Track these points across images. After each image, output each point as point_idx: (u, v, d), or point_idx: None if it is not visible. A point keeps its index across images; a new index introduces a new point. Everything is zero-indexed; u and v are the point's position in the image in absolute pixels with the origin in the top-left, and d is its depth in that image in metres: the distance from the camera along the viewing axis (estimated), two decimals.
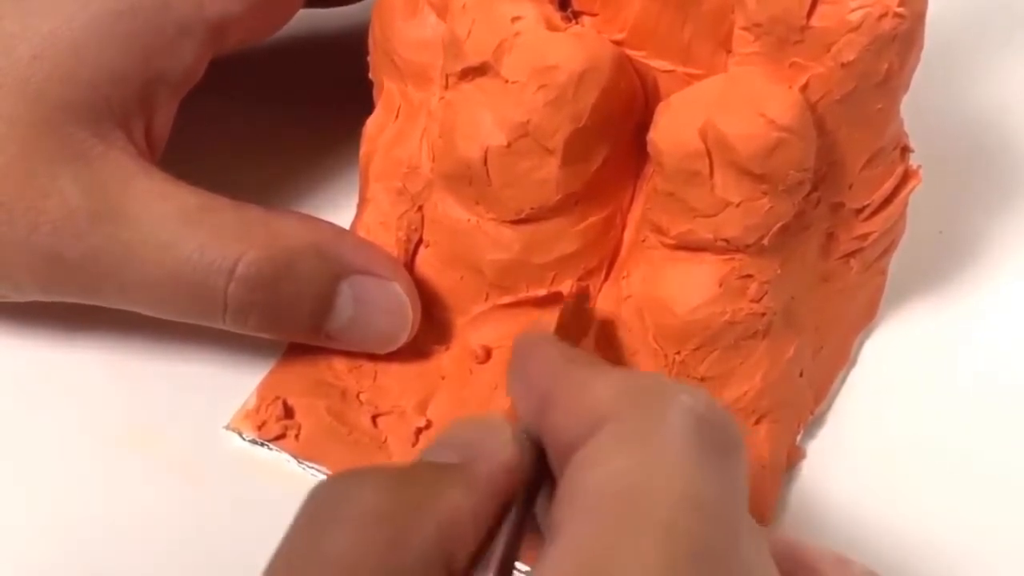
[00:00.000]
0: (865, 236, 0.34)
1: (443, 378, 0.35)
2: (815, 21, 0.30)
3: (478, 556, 0.23)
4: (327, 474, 0.33)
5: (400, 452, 0.34)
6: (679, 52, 0.33)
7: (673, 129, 0.31)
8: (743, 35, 0.31)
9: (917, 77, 0.32)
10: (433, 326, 0.36)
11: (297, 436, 0.34)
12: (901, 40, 0.30)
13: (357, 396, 0.35)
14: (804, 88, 0.30)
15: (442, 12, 0.34)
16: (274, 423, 0.34)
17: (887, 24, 0.29)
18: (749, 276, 0.32)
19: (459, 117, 0.33)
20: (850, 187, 0.33)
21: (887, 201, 0.34)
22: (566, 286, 0.34)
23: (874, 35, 0.29)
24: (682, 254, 0.32)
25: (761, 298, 0.32)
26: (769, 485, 0.33)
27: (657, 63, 0.33)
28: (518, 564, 0.23)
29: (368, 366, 0.35)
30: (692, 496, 0.21)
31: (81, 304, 0.34)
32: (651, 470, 0.22)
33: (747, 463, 0.23)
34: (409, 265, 0.36)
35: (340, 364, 0.35)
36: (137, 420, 0.34)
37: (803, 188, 0.31)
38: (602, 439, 0.23)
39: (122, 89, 0.33)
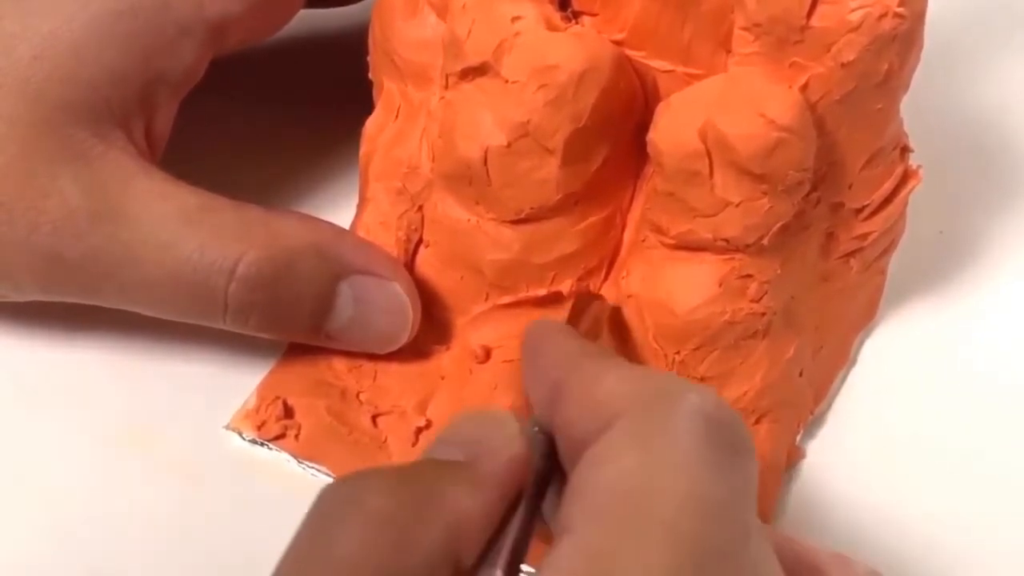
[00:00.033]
0: (865, 236, 0.34)
1: (443, 378, 0.35)
2: (815, 21, 0.30)
3: (486, 551, 0.23)
4: (327, 474, 0.33)
5: (400, 452, 0.34)
6: (679, 52, 0.33)
7: (673, 129, 0.31)
8: (743, 35, 0.31)
9: (917, 77, 0.32)
10: (433, 326, 0.36)
11: (297, 436, 0.34)
12: (901, 40, 0.30)
13: (357, 396, 0.35)
14: (804, 88, 0.30)
15: (442, 12, 0.34)
16: (274, 423, 0.34)
17: (887, 24, 0.29)
18: (749, 276, 0.32)
19: (459, 117, 0.33)
20: (850, 187, 0.33)
21: (887, 201, 0.34)
22: (566, 286, 0.34)
23: (874, 35, 0.29)
24: (682, 254, 0.32)
25: (761, 298, 0.32)
26: (769, 485, 0.33)
27: (657, 63, 0.33)
28: (523, 566, 0.23)
29: (368, 366, 0.35)
30: (699, 497, 0.21)
31: (81, 304, 0.34)
32: (658, 470, 0.22)
33: (756, 463, 0.23)
34: (409, 265, 0.36)
35: (340, 364, 0.35)
36: (137, 420, 0.34)
37: (803, 188, 0.31)
38: (612, 437, 0.23)
39: (122, 89, 0.33)
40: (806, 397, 0.35)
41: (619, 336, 0.34)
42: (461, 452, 0.24)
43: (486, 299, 0.35)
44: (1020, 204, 0.42)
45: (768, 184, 0.30)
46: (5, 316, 0.36)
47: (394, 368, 0.35)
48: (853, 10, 0.29)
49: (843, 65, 0.30)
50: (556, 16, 0.33)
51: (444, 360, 0.35)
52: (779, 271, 0.32)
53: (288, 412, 0.34)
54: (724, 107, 0.30)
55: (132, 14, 0.33)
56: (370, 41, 0.37)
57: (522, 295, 0.35)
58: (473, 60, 0.32)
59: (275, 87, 0.43)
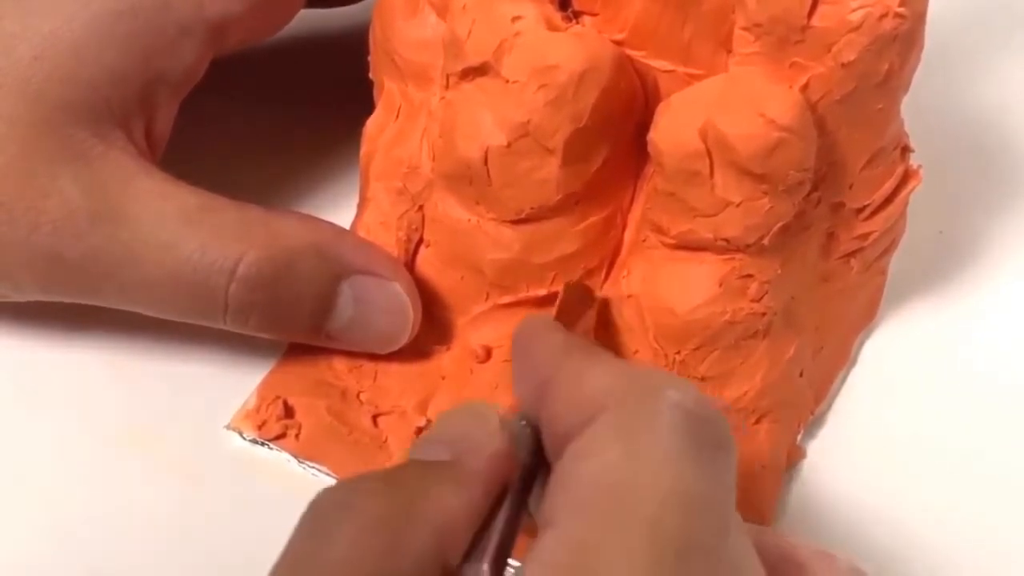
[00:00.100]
0: (865, 236, 0.34)
1: (443, 378, 0.35)
2: (816, 21, 0.30)
3: (473, 547, 0.23)
4: (327, 474, 0.33)
5: (400, 452, 0.34)
6: (679, 52, 0.33)
7: (673, 129, 0.31)
8: (743, 35, 0.31)
9: (917, 77, 0.32)
10: (434, 326, 0.36)
11: (297, 436, 0.34)
12: (902, 40, 0.30)
13: (357, 396, 0.35)
14: (804, 88, 0.30)
15: (442, 12, 0.34)
16: (274, 423, 0.34)
17: (888, 24, 0.29)
18: (749, 276, 0.32)
19: (459, 117, 0.33)
20: (850, 187, 0.33)
21: (887, 201, 0.34)
22: None
23: (875, 35, 0.29)
24: (682, 254, 0.32)
25: (761, 298, 0.32)
26: (769, 485, 0.33)
27: (657, 63, 0.33)
28: (510, 560, 0.23)
29: (368, 366, 0.35)
30: (679, 492, 0.22)
31: (81, 304, 0.34)
32: (641, 464, 0.22)
33: (735, 458, 0.24)
34: (409, 265, 0.36)
35: (340, 364, 0.35)
36: (137, 420, 0.34)
37: (803, 188, 0.31)
38: (596, 431, 0.23)
39: (122, 89, 0.33)
40: (806, 397, 0.35)
41: (607, 328, 0.34)
42: (446, 450, 0.24)
43: (486, 299, 0.35)
44: (1020, 204, 0.42)
45: (768, 184, 0.30)
46: (5, 316, 0.36)
47: (394, 368, 0.35)
48: (854, 10, 0.29)
49: (844, 65, 0.30)
50: (556, 16, 0.33)
51: (445, 360, 0.35)
52: (779, 271, 0.32)
53: (288, 412, 0.34)
54: (724, 107, 0.30)
55: (132, 14, 0.33)
56: (371, 41, 0.37)
57: (522, 295, 0.34)
58: (473, 60, 0.32)
59: (275, 87, 0.43)
